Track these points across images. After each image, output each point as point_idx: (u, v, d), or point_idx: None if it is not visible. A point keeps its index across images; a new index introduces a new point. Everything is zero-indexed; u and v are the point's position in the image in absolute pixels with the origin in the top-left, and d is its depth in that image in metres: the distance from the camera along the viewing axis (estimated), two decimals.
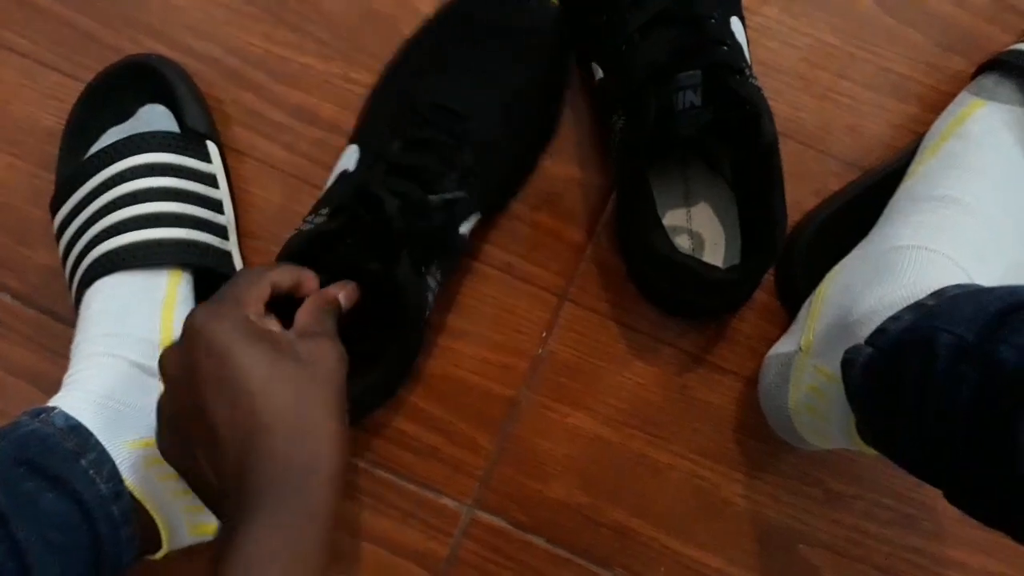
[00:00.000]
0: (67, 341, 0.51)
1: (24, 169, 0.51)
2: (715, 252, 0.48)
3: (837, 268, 0.47)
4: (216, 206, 0.48)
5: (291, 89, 0.51)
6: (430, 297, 0.42)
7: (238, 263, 0.48)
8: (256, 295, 0.37)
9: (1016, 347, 0.31)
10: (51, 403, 0.41)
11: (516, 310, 0.51)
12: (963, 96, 0.48)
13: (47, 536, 0.35)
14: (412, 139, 0.41)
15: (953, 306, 0.37)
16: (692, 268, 0.43)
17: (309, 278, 0.40)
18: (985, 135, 0.45)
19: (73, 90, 0.50)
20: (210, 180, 0.48)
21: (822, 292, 0.47)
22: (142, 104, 0.49)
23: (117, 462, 0.39)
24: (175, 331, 0.44)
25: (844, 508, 0.50)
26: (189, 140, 0.47)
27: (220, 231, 0.48)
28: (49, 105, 0.51)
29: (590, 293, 0.51)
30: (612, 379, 0.51)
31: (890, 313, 0.39)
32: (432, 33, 0.46)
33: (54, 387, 0.51)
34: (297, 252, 0.39)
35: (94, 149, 0.48)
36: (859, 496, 0.50)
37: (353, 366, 0.37)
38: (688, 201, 0.48)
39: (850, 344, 0.40)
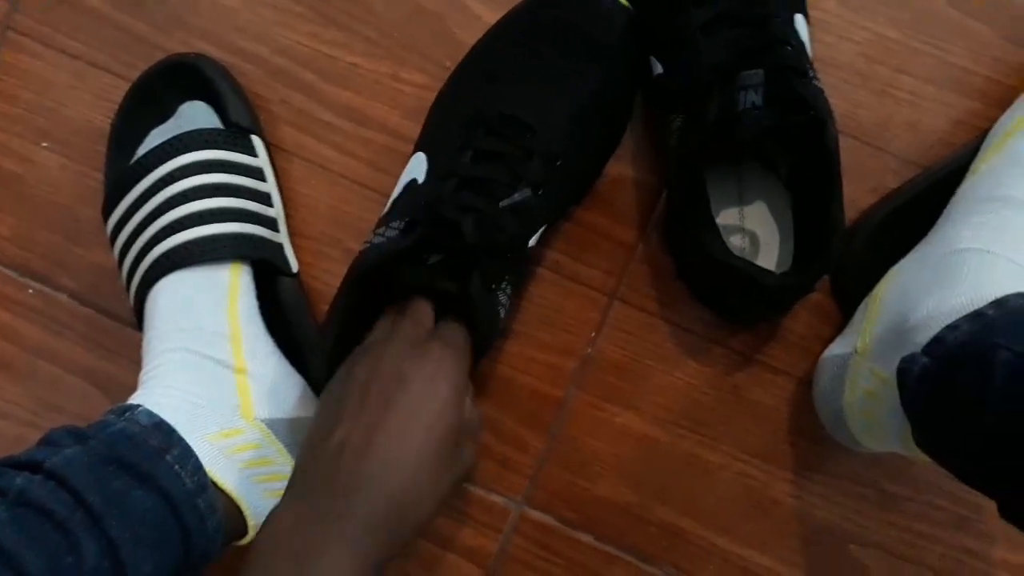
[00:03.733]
0: (121, 339, 0.52)
1: (76, 169, 0.52)
2: (768, 252, 0.47)
3: (895, 270, 0.46)
4: (265, 199, 0.48)
5: (340, 89, 0.50)
6: (502, 313, 0.41)
7: (290, 255, 0.49)
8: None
9: None
10: (133, 400, 0.42)
11: (565, 309, 0.50)
12: None
13: (138, 532, 0.36)
14: (481, 150, 0.40)
15: (1014, 320, 0.36)
16: (746, 272, 0.43)
17: None
18: None
19: (124, 91, 0.50)
20: (257, 174, 0.48)
21: (879, 294, 0.46)
22: (184, 102, 0.49)
23: (199, 455, 0.40)
24: (241, 322, 0.45)
25: (897, 509, 0.50)
26: (233, 135, 0.48)
27: (271, 223, 0.48)
28: (101, 106, 0.51)
29: (640, 292, 0.50)
30: (662, 379, 0.51)
31: (948, 321, 0.38)
32: (499, 38, 0.44)
33: (109, 383, 0.53)
34: (372, 266, 0.39)
35: (141, 151, 0.48)
36: (913, 497, 0.50)
37: None
38: (742, 200, 0.47)
39: (907, 350, 0.40)
